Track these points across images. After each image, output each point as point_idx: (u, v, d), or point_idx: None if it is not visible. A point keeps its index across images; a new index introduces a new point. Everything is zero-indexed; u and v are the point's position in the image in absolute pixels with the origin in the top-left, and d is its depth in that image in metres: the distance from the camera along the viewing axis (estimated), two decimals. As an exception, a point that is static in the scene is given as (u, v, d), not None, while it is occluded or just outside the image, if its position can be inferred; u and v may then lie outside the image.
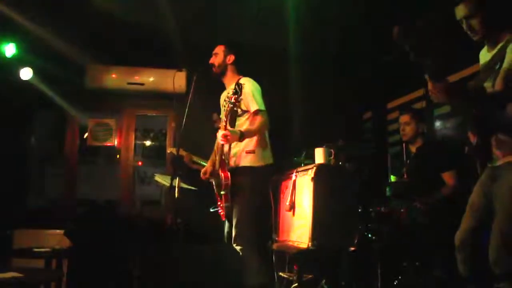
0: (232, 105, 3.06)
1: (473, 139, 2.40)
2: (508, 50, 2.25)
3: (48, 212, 5.39)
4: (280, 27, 4.54)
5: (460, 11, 2.38)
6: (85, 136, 5.72)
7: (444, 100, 2.21)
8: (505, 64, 2.23)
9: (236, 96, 3.02)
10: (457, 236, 2.49)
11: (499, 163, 2.37)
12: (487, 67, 2.38)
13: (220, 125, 3.66)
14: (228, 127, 3.13)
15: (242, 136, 3.16)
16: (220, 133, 3.10)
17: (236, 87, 3.04)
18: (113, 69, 5.43)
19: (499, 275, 2.23)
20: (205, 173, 3.52)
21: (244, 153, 3.31)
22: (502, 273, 2.22)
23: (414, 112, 3.96)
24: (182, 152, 4.62)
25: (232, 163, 3.33)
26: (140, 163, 6.84)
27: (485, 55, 2.50)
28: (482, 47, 2.54)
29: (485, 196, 2.41)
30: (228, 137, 3.08)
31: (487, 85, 2.34)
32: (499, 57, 2.29)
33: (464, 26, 2.39)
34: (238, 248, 3.23)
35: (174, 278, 3.50)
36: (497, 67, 2.28)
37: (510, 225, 2.23)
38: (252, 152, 3.31)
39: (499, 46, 2.34)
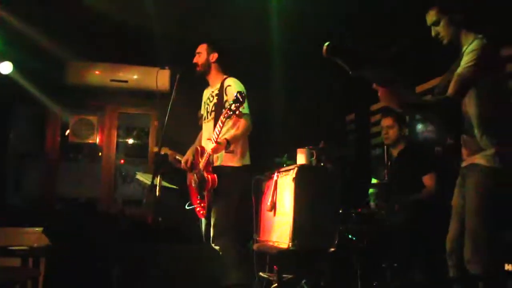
0: (231, 112, 3.03)
1: (447, 139, 2.49)
2: (465, 53, 2.34)
3: (26, 209, 5.30)
4: (264, 27, 4.55)
5: (428, 18, 2.52)
6: (66, 133, 5.65)
7: (391, 105, 2.21)
8: (459, 68, 2.32)
9: (237, 104, 2.99)
10: (447, 240, 2.52)
11: (465, 163, 2.47)
12: (451, 70, 2.47)
13: (201, 122, 3.66)
14: (215, 136, 3.13)
15: (229, 144, 3.18)
16: (209, 146, 3.13)
17: (238, 95, 3.01)
18: (96, 66, 5.37)
19: (474, 275, 2.27)
20: (186, 162, 3.50)
21: (223, 153, 3.30)
22: (477, 273, 2.26)
23: (397, 115, 3.98)
24: (167, 151, 4.60)
25: (214, 162, 3.32)
26: (122, 161, 6.77)
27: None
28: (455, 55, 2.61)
29: (462, 197, 2.47)
30: (217, 149, 3.12)
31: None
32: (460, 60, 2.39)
33: (433, 32, 2.51)
34: (217, 247, 3.23)
35: (155, 277, 3.48)
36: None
37: (478, 224, 2.30)
38: (232, 152, 3.30)
39: (464, 49, 2.42)
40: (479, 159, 2.37)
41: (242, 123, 3.29)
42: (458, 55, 2.51)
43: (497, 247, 2.34)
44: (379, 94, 2.20)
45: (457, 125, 2.44)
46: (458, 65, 2.38)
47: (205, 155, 3.27)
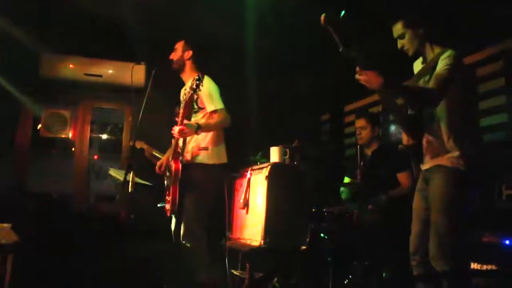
0: (190, 96, 3.01)
1: (406, 141, 2.57)
2: (440, 59, 2.47)
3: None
4: (240, 25, 4.55)
5: (394, 32, 2.64)
6: (38, 127, 5.53)
7: (376, 85, 2.33)
8: (437, 70, 2.45)
9: (197, 82, 2.97)
10: (410, 242, 2.61)
11: (428, 166, 2.55)
12: (419, 74, 2.61)
13: (176, 119, 3.63)
14: (185, 121, 3.10)
15: (199, 129, 3.13)
16: (176, 128, 3.06)
17: (196, 81, 3.00)
18: (70, 59, 5.27)
19: (439, 273, 2.34)
20: (160, 166, 3.48)
21: (197, 150, 3.29)
22: (441, 269, 2.35)
23: (369, 116, 4.04)
24: (143, 145, 4.56)
25: (186, 158, 3.30)
26: (96, 157, 6.68)
27: (418, 66, 2.72)
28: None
29: (423, 200, 2.56)
30: (185, 130, 3.06)
31: None
32: (430, 68, 2.53)
33: (399, 45, 2.64)
34: (187, 245, 3.21)
35: (127, 273, 3.45)
36: (427, 78, 2.51)
37: (443, 223, 2.39)
38: (206, 149, 3.28)
39: (430, 59, 2.57)
40: (444, 161, 2.45)
41: (217, 115, 3.27)
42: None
43: (461, 246, 2.42)
44: (362, 78, 2.32)
45: (419, 127, 2.53)
46: (425, 72, 2.53)
47: (175, 148, 3.25)
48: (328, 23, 2.21)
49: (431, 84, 2.43)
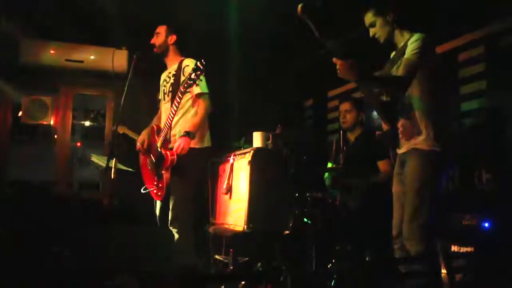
0: (191, 81, 2.99)
1: (385, 126, 2.61)
2: (408, 44, 2.52)
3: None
4: (223, 9, 4.50)
5: (365, 21, 2.70)
6: (19, 114, 5.44)
7: (350, 77, 2.38)
8: (405, 55, 2.49)
9: (198, 72, 2.95)
10: (393, 226, 2.67)
11: (404, 150, 2.59)
12: (391, 61, 2.68)
13: (160, 105, 3.61)
14: (171, 115, 3.10)
15: (193, 136, 3.19)
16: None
17: (198, 63, 2.97)
18: (51, 45, 5.17)
19: (412, 256, 2.39)
20: (142, 142, 3.45)
21: (184, 134, 3.28)
22: (414, 250, 2.42)
23: (355, 100, 4.05)
24: (125, 130, 4.53)
25: (173, 142, 3.29)
26: (79, 144, 6.59)
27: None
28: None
29: (401, 183, 2.60)
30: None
31: None
32: (400, 53, 2.57)
33: (370, 33, 2.70)
34: (174, 230, 3.21)
35: (108, 260, 3.43)
36: (399, 63, 2.55)
37: (416, 205, 2.45)
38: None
39: (401, 45, 2.62)
40: (419, 144, 2.50)
41: (200, 105, 3.26)
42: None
43: (434, 228, 2.47)
44: (338, 67, 2.35)
45: (395, 113, 2.57)
46: (397, 57, 2.58)
47: (162, 133, 3.23)
48: (304, 12, 2.23)
49: (400, 71, 2.47)
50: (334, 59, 2.36)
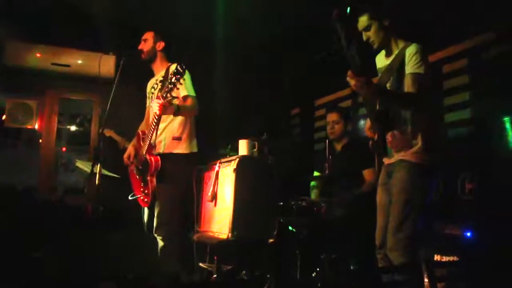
0: (171, 86, 2.92)
1: (371, 135, 2.61)
2: (406, 54, 2.50)
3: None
4: (211, 16, 4.51)
5: (359, 24, 2.65)
6: (3, 117, 5.37)
7: (365, 93, 2.40)
8: (410, 69, 2.47)
9: (178, 76, 2.88)
10: (376, 236, 2.66)
11: (392, 160, 2.59)
12: (388, 70, 2.63)
13: (147, 112, 3.59)
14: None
15: (178, 111, 3.07)
16: (156, 104, 2.96)
17: (178, 67, 2.91)
18: (37, 47, 5.10)
19: (396, 266, 2.40)
20: (128, 157, 3.42)
21: (171, 140, 3.26)
22: (397, 260, 2.42)
23: (342, 110, 4.07)
24: (112, 134, 4.50)
25: (159, 148, 3.28)
26: (64, 149, 6.54)
27: (382, 60, 2.74)
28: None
29: (386, 194, 2.61)
30: (166, 105, 2.96)
31: (388, 86, 2.60)
32: (397, 62, 2.55)
33: (364, 37, 2.65)
34: (159, 238, 3.19)
35: (93, 266, 3.40)
36: (396, 74, 2.54)
37: (402, 216, 2.45)
38: (179, 139, 3.28)
39: (396, 52, 2.60)
40: (408, 156, 2.50)
41: (189, 101, 3.23)
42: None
43: (418, 239, 2.48)
44: (353, 83, 2.34)
45: (385, 122, 2.58)
46: (395, 67, 2.55)
47: (147, 139, 3.21)
48: (340, 17, 2.19)
49: (411, 88, 2.45)
50: (349, 76, 2.35)
